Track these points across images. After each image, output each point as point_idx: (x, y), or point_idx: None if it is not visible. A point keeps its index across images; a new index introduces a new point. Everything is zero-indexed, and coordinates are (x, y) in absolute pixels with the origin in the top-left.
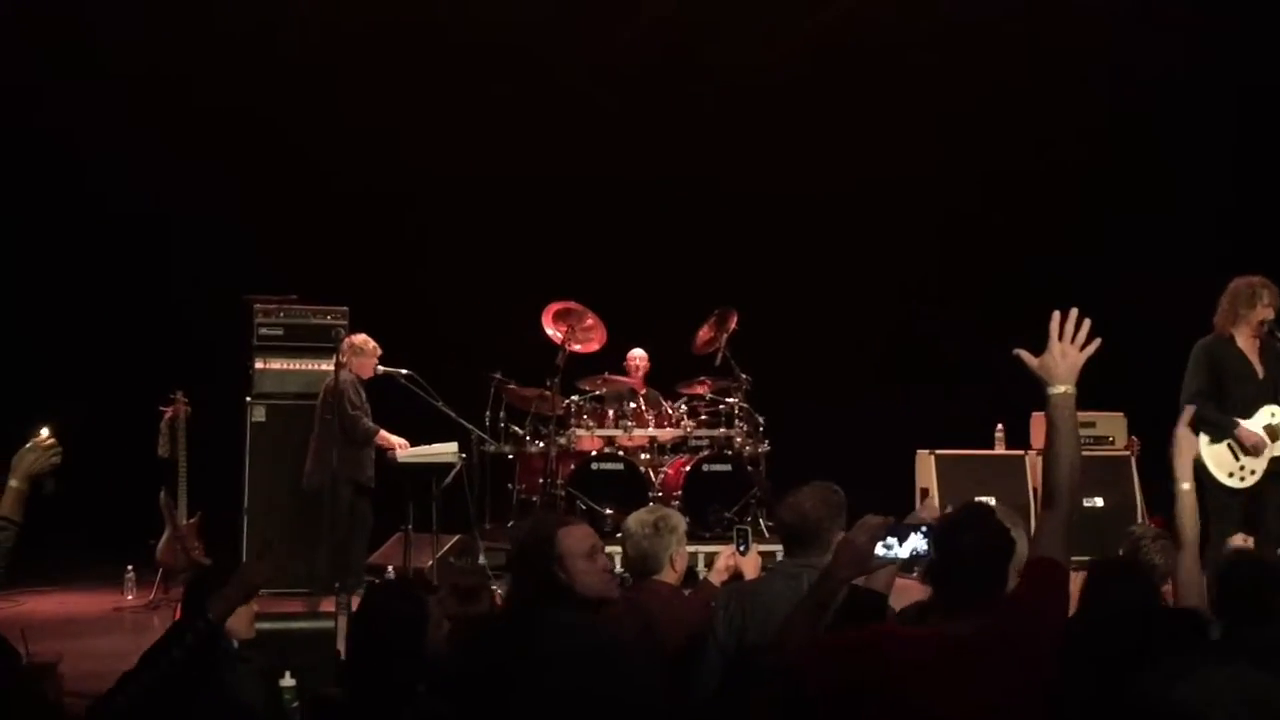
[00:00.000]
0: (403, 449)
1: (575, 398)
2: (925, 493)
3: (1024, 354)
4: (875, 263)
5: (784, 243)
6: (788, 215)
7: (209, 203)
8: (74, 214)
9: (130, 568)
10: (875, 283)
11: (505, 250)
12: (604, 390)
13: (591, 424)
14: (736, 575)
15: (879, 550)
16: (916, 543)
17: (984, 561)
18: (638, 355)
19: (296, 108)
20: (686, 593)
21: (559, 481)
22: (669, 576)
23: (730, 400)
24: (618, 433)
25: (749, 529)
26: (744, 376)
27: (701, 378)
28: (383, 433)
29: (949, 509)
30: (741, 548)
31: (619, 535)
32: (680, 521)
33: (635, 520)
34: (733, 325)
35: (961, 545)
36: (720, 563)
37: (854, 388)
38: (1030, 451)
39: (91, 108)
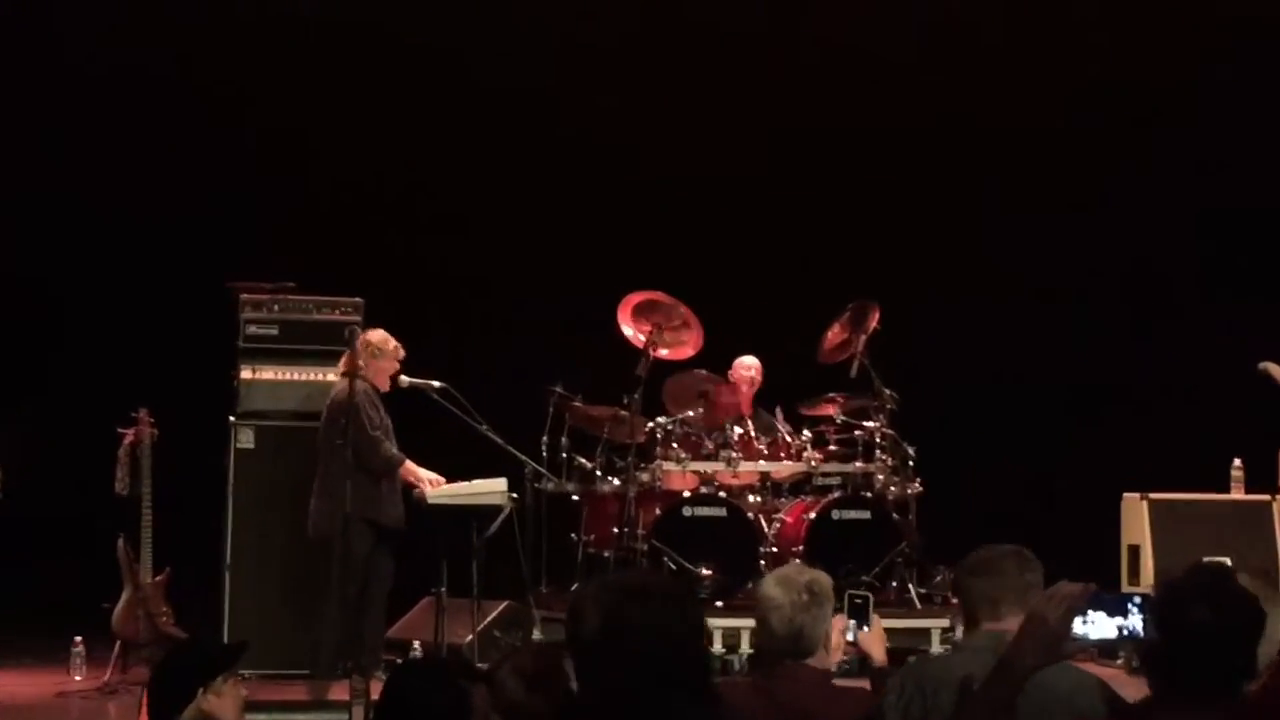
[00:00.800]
0: (434, 486)
1: (662, 420)
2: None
3: (1272, 368)
4: (1055, 239)
5: (939, 219)
6: (941, 182)
7: (180, 164)
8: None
9: (79, 640)
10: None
11: (568, 226)
12: (701, 410)
13: (683, 455)
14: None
15: (1076, 627)
16: (1127, 618)
17: (1221, 643)
18: (747, 364)
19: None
20: (837, 682)
21: (639, 531)
22: (821, 658)
23: (870, 425)
24: (718, 467)
25: (867, 598)
26: (888, 393)
27: (831, 394)
28: (409, 464)
29: (1168, 572)
30: (857, 623)
31: (718, 603)
32: (829, 582)
33: (781, 585)
34: (873, 324)
35: (1190, 622)
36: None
37: (1037, 408)
38: None
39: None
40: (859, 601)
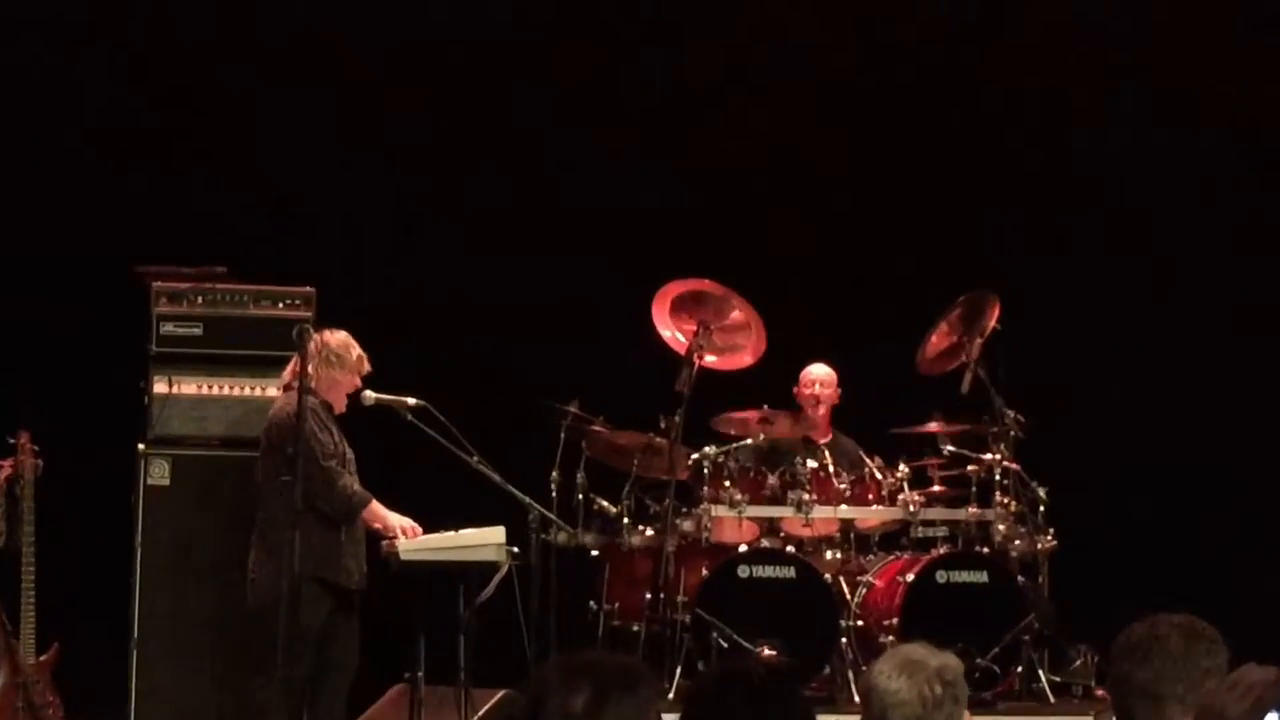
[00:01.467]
0: (409, 536)
1: (710, 450)
2: None
3: None
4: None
5: (1076, 183)
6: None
7: (74, 118)
8: None
9: None
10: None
11: (584, 195)
12: (762, 438)
13: (739, 496)
14: None
15: None
16: None
17: None
18: (821, 377)
19: None
20: None
21: (680, 598)
22: None
23: (987, 457)
24: (785, 512)
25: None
26: (1012, 415)
27: (936, 415)
28: (376, 506)
29: None
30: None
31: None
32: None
33: (904, 672)
34: (992, 323)
35: None
36: None
37: (1212, 434)
38: None
39: None
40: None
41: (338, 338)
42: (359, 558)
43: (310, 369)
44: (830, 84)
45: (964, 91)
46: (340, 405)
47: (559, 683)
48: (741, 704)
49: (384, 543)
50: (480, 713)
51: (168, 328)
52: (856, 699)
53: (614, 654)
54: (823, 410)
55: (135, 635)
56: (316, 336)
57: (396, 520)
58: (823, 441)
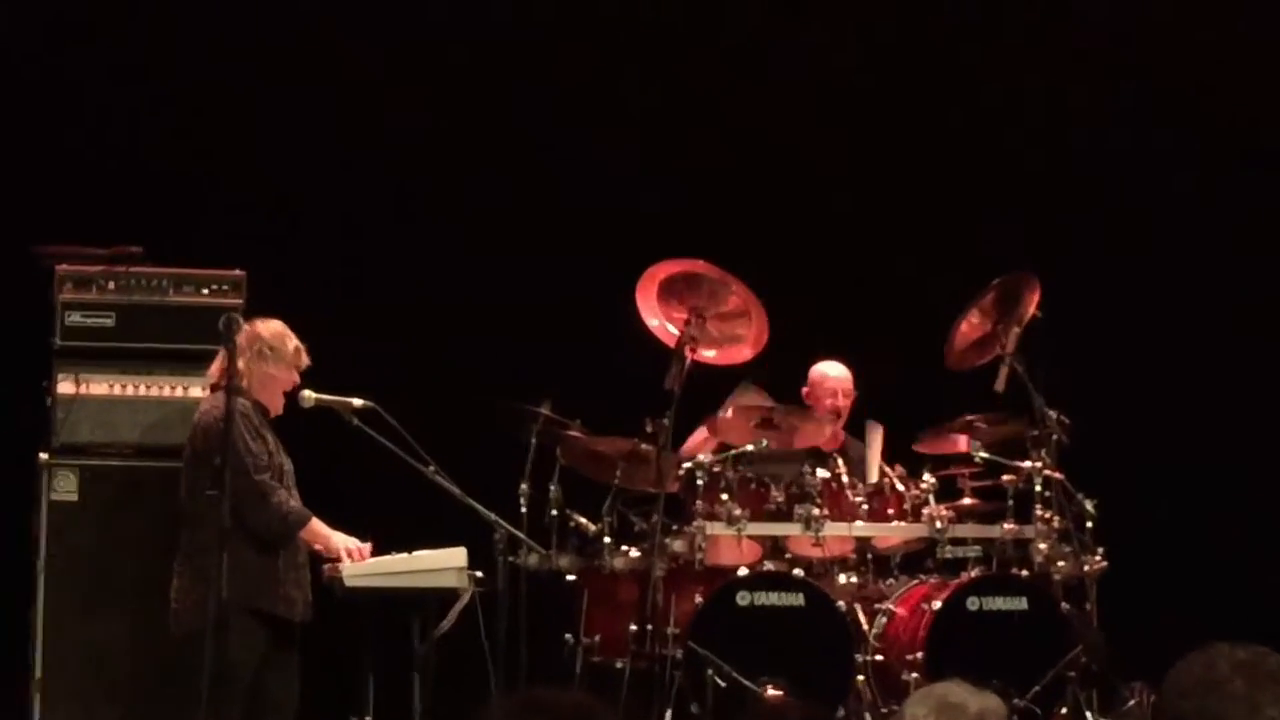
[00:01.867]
0: (354, 559)
1: (704, 458)
2: None
3: None
4: None
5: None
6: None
7: None
8: None
9: None
10: None
11: (560, 165)
12: (765, 444)
13: (739, 512)
14: None
15: None
16: None
17: None
18: (834, 376)
19: None
20: None
21: (670, 630)
22: None
23: (1026, 465)
24: (791, 530)
25: None
26: (1054, 415)
27: (967, 418)
28: (316, 524)
29: None
30: None
31: None
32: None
33: (942, 716)
34: (1031, 310)
35: None
36: None
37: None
38: None
39: None
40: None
41: (271, 328)
42: (303, 585)
43: (240, 365)
44: (829, 84)
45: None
46: (276, 407)
47: None
48: None
49: (326, 566)
50: None
51: (74, 318)
52: None
53: (567, 691)
54: (840, 412)
55: (37, 674)
56: (246, 327)
57: (340, 541)
58: (837, 447)
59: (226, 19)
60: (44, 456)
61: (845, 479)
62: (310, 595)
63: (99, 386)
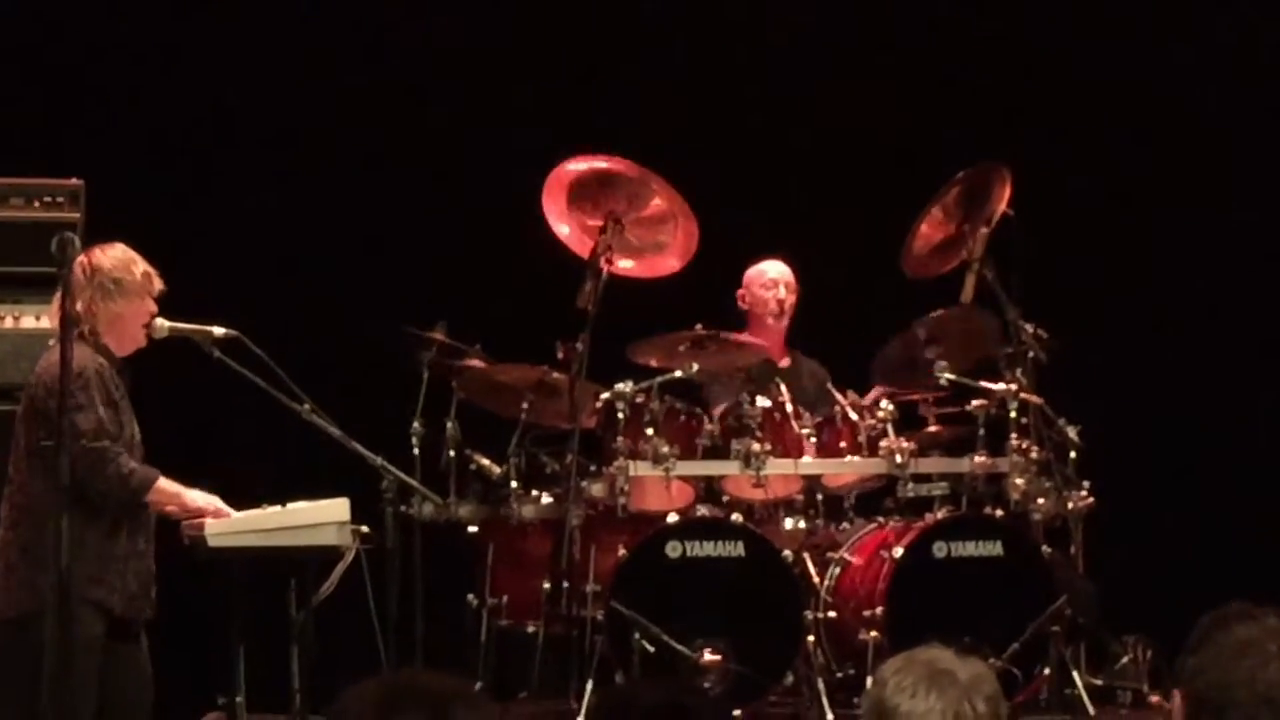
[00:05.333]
0: (213, 519)
1: (625, 387)
2: None
3: None
4: None
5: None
6: None
7: None
8: None
9: None
10: None
11: (449, 49)
12: (696, 368)
13: (666, 450)
14: None
15: None
16: None
17: None
18: (774, 277)
19: None
20: None
21: (589, 588)
22: None
23: (999, 388)
24: (728, 469)
25: None
26: (1031, 330)
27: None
28: (164, 483)
29: None
30: None
31: (735, 713)
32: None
33: (932, 686)
34: (1001, 207)
35: None
36: None
37: None
38: None
39: None
40: None
41: (112, 256)
42: (143, 576)
43: (80, 306)
44: None
45: None
46: (133, 344)
47: (377, 714)
48: None
49: (185, 525)
50: None
51: None
52: (831, 718)
53: (437, 672)
54: (784, 322)
55: None
56: (83, 260)
57: (196, 498)
58: (783, 365)
59: None
60: None
61: (790, 407)
62: (153, 589)
63: None
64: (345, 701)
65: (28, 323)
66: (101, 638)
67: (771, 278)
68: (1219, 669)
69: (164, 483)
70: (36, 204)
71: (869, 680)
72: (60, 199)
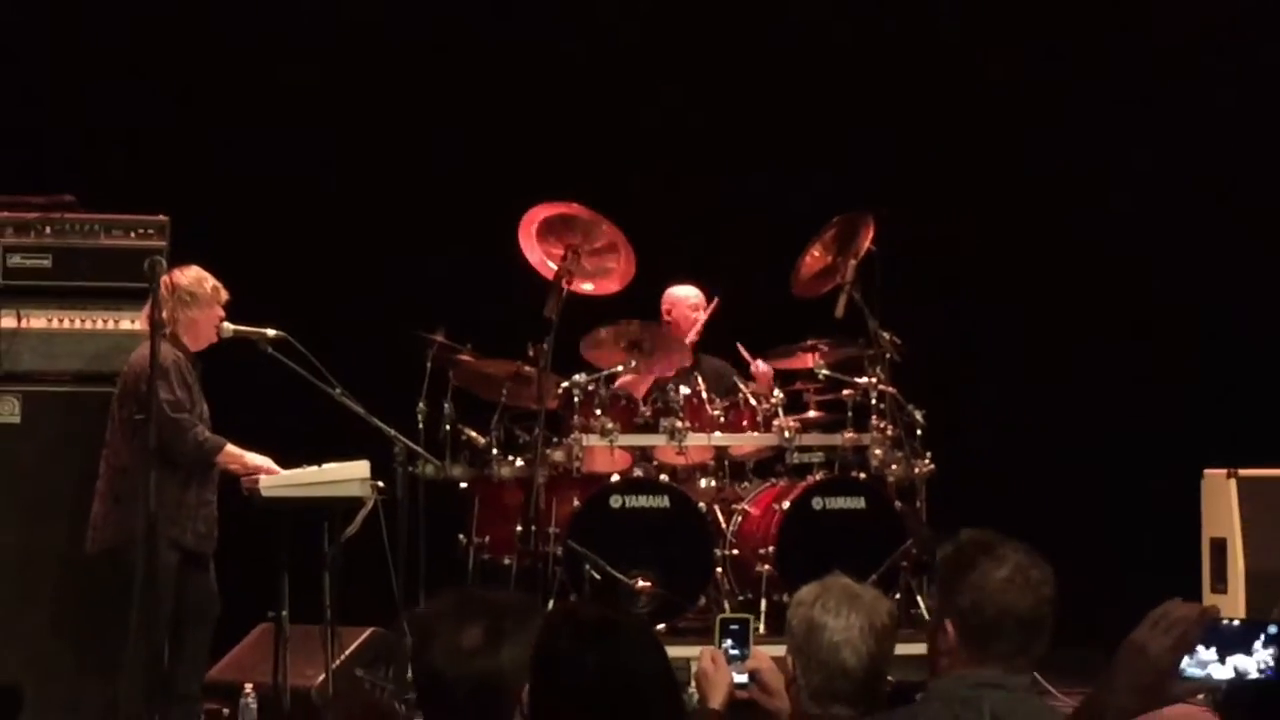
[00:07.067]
0: (267, 475)
1: (580, 378)
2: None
3: None
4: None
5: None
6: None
7: None
8: None
9: None
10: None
11: (449, 116)
12: (634, 364)
13: (611, 425)
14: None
15: (1187, 667)
16: (1255, 657)
17: None
18: (688, 298)
19: None
20: None
21: (552, 530)
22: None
23: (863, 381)
24: (658, 440)
25: (748, 620)
26: (887, 337)
27: (811, 341)
28: (231, 448)
29: None
30: (735, 651)
31: (659, 627)
32: None
33: (851, 608)
34: (866, 244)
35: None
36: (709, 675)
37: (1090, 357)
38: None
39: None
40: (736, 625)
41: (188, 276)
42: (209, 520)
43: (165, 313)
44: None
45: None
46: (206, 339)
47: (450, 619)
48: (587, 647)
49: (244, 482)
50: (347, 651)
51: (15, 260)
52: None
53: (504, 590)
54: (692, 332)
55: None
56: (166, 278)
57: (254, 459)
58: (689, 365)
59: None
60: None
61: (705, 395)
62: (216, 530)
63: (38, 320)
64: (426, 608)
65: (125, 325)
66: (177, 566)
67: (693, 303)
68: (991, 604)
69: (230, 447)
70: (133, 234)
71: (763, 602)
72: (150, 230)
